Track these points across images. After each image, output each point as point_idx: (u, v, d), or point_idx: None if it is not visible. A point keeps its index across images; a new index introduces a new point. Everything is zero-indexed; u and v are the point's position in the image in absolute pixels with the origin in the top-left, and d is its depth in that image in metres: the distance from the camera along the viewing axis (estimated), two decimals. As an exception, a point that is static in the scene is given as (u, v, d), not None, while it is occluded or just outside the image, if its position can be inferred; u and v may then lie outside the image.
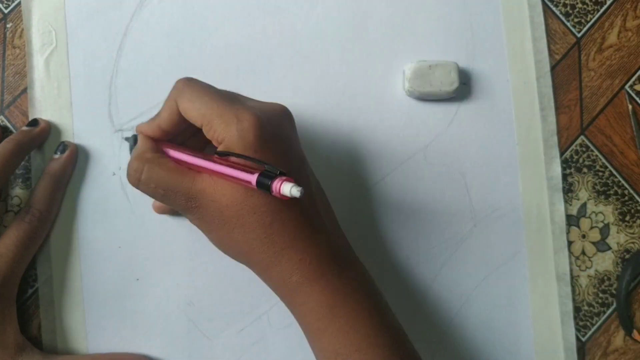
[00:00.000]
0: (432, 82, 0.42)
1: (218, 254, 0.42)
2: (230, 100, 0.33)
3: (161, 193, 0.33)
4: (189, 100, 0.33)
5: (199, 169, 0.33)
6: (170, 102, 0.34)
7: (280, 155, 0.33)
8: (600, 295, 0.43)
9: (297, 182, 0.30)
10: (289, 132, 0.35)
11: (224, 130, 0.32)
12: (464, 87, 0.43)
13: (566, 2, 0.45)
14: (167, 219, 0.42)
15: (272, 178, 0.30)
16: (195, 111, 0.33)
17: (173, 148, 0.35)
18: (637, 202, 0.44)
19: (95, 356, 0.41)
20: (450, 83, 0.42)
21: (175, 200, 0.33)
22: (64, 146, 0.42)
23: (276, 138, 0.33)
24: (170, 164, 0.34)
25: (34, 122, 0.42)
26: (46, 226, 0.41)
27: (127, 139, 0.42)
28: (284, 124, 0.35)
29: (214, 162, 0.33)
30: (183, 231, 0.42)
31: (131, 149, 0.40)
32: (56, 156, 0.41)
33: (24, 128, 0.41)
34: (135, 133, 0.40)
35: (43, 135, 0.42)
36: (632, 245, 0.44)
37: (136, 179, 0.33)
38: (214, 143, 0.33)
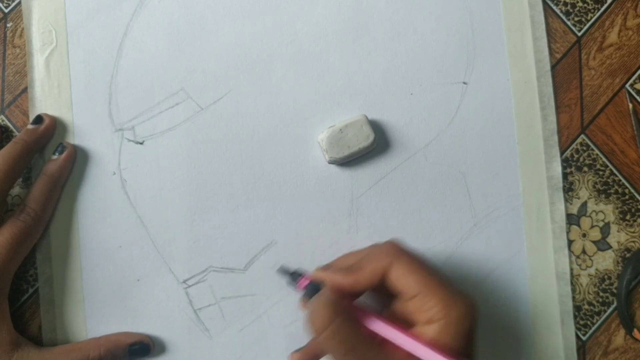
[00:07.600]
0: (348, 144, 0.41)
1: (218, 254, 0.42)
2: (445, 279, 0.33)
3: (342, 352, 0.31)
4: (406, 271, 0.33)
5: (394, 346, 0.32)
6: (376, 265, 0.33)
7: (473, 346, 0.33)
8: (601, 294, 0.43)
9: None
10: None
11: (440, 312, 0.31)
12: (465, 86, 0.43)
13: (566, 1, 0.45)
14: (167, 219, 0.42)
15: None
16: (413, 283, 0.32)
17: (361, 312, 0.33)
18: (638, 201, 0.44)
19: (90, 341, 0.41)
20: (366, 137, 0.41)
21: None
22: (62, 147, 0.42)
23: (476, 331, 0.33)
24: (362, 328, 0.32)
25: (39, 120, 0.41)
26: (40, 226, 0.41)
27: (296, 278, 0.37)
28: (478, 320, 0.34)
29: (425, 346, 0.31)
30: (183, 230, 0.42)
31: (304, 296, 0.34)
32: (54, 157, 0.41)
33: (29, 126, 0.41)
34: (301, 274, 0.36)
35: (49, 132, 0.42)
36: (632, 244, 0.43)
37: (322, 327, 0.31)
38: (418, 318, 0.32)
